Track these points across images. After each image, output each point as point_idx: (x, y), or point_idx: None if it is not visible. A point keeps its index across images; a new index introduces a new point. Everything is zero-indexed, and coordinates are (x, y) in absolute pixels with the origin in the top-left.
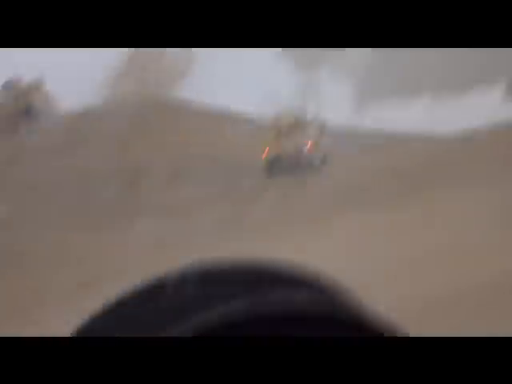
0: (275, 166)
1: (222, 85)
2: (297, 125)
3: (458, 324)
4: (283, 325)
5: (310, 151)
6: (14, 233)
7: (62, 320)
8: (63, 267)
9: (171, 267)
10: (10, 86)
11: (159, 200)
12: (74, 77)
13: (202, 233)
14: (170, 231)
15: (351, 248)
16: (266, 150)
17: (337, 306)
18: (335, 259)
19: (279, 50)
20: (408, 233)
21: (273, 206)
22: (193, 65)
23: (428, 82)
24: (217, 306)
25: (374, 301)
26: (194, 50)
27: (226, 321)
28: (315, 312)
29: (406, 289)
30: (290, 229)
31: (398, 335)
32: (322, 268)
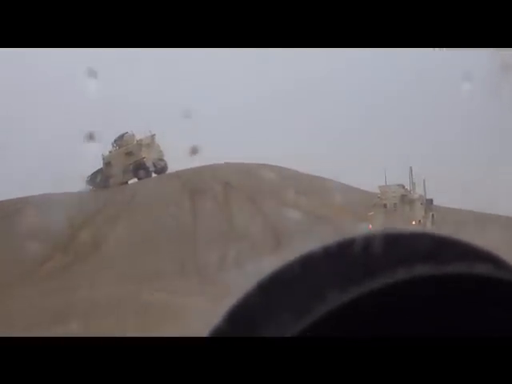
0: None
1: None
2: (403, 202)
3: None
4: (463, 296)
5: None
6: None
7: None
8: None
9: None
10: (121, 141)
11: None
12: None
13: None
14: None
15: None
16: (370, 225)
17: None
18: None
19: None
20: None
21: None
22: None
23: None
24: (400, 268)
25: None
26: None
27: (408, 281)
28: (493, 286)
29: None
30: None
31: None
32: None
